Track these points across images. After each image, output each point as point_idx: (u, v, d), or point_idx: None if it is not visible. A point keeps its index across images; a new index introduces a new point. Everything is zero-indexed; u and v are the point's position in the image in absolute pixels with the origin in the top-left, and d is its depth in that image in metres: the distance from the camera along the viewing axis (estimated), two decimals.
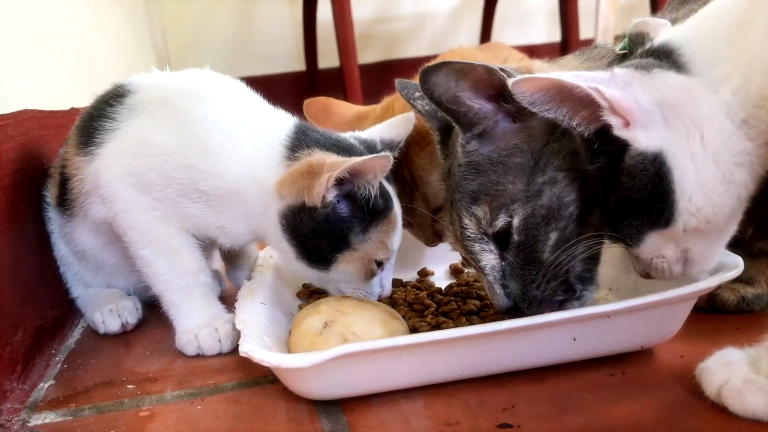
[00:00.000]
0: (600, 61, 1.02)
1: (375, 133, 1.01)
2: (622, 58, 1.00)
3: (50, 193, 1.10)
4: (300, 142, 0.94)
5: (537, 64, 0.98)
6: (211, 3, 3.38)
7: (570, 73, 0.73)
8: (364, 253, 0.92)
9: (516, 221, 0.84)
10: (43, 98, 1.23)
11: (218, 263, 1.24)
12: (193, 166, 0.94)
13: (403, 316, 0.98)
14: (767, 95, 0.68)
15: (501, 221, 0.85)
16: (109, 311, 1.09)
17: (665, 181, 0.71)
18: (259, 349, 0.79)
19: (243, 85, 1.04)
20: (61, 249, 1.11)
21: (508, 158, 0.86)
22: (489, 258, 0.87)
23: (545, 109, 0.74)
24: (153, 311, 1.12)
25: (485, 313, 0.97)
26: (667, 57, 0.74)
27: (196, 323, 1.00)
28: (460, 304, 0.98)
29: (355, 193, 0.88)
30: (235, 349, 0.94)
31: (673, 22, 0.99)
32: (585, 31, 3.21)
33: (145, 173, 0.96)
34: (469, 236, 0.88)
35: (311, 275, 0.96)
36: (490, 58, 1.59)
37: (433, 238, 1.11)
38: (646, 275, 0.80)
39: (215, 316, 1.00)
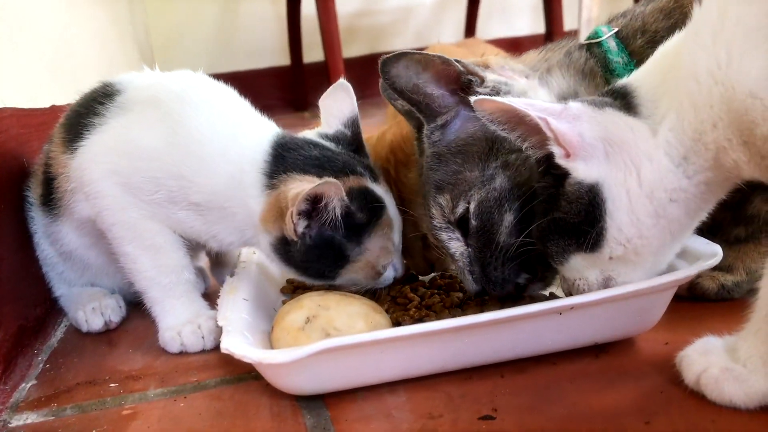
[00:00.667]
0: (559, 51, 1.03)
1: (333, 122, 1.00)
2: (587, 48, 1.01)
3: (33, 192, 1.10)
4: (278, 166, 0.92)
5: (493, 59, 0.98)
6: None
7: (525, 100, 0.79)
8: (366, 262, 0.93)
9: (472, 206, 0.88)
10: (22, 96, 1.22)
11: (203, 260, 1.23)
12: (184, 176, 0.93)
13: (387, 310, 0.99)
14: (701, 128, 0.71)
15: (460, 208, 0.90)
16: (92, 310, 1.08)
17: (598, 210, 0.75)
18: (240, 345, 0.79)
19: (233, 92, 1.04)
20: (45, 249, 1.11)
21: (466, 147, 0.90)
22: (456, 245, 0.91)
23: (502, 128, 0.79)
24: (136, 309, 1.11)
25: (468, 305, 0.96)
26: (622, 98, 0.78)
27: (179, 320, 1.00)
28: (444, 296, 0.98)
29: (327, 219, 0.87)
30: (218, 346, 0.93)
31: (639, 15, 1.00)
32: (569, 23, 3.22)
33: (133, 175, 0.95)
34: (436, 225, 0.92)
35: (319, 286, 0.98)
36: (467, 54, 1.60)
37: (425, 266, 1.10)
38: (569, 294, 0.84)
39: (198, 313, 1.00)
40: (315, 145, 0.96)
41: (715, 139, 0.70)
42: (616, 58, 0.97)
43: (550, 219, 0.79)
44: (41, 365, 1.00)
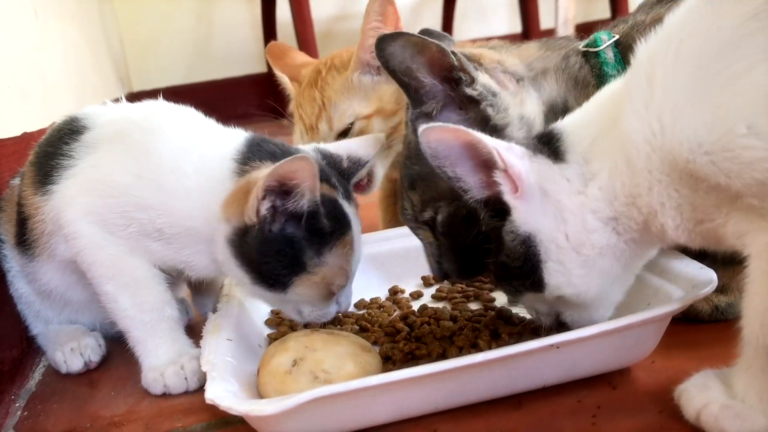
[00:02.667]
0: (558, 52, 1.01)
1: (343, 148, 0.99)
2: (584, 55, 0.99)
3: (5, 231, 1.06)
4: (251, 155, 0.90)
5: (487, 55, 0.96)
6: (168, 6, 3.32)
7: (475, 132, 0.76)
8: (322, 277, 0.89)
9: (439, 218, 0.92)
10: None
11: (184, 291, 1.20)
12: (150, 205, 0.91)
13: (375, 341, 0.96)
14: (636, 192, 0.72)
15: (427, 214, 0.94)
16: (70, 350, 1.05)
17: (534, 259, 0.76)
18: (225, 395, 0.76)
19: (197, 114, 1.01)
20: (21, 287, 1.07)
21: None
22: (423, 235, 0.97)
23: (445, 164, 0.76)
24: (117, 346, 1.08)
25: (459, 336, 0.94)
26: (548, 144, 0.78)
27: (161, 360, 0.96)
28: (435, 327, 0.96)
29: (294, 208, 0.84)
30: (202, 386, 0.91)
31: (639, 24, 0.98)
32: (545, 21, 3.21)
33: (107, 213, 0.93)
34: (406, 216, 0.98)
35: (270, 297, 0.94)
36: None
37: None
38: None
39: (181, 352, 0.97)
40: (290, 147, 0.95)
41: (648, 202, 0.71)
42: (612, 71, 0.96)
43: (498, 260, 0.81)
44: (19, 413, 0.97)
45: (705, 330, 0.94)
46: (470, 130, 0.75)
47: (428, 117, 0.91)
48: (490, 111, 0.90)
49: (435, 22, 3.54)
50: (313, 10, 2.81)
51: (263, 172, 0.84)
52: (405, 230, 1.08)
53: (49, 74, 1.69)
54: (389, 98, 1.27)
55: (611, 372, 0.85)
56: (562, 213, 0.75)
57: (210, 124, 1.00)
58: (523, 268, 0.78)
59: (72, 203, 0.94)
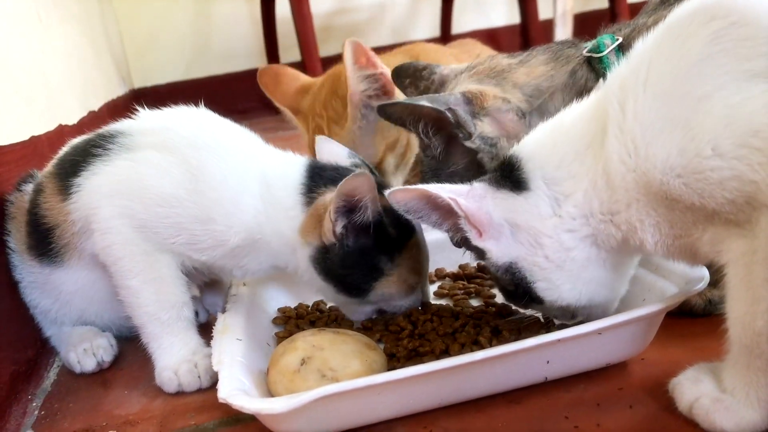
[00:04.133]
0: (565, 67, 1.02)
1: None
2: (587, 62, 1.00)
3: (17, 241, 1.08)
4: (315, 184, 0.96)
5: (491, 94, 0.99)
6: (167, 3, 3.33)
7: (436, 185, 0.80)
8: (398, 276, 0.96)
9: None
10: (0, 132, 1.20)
11: (194, 290, 1.23)
12: (213, 220, 0.95)
13: (379, 339, 0.99)
14: (615, 209, 0.74)
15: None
16: (83, 351, 1.08)
17: (523, 282, 0.80)
18: (237, 394, 0.79)
19: (244, 130, 1.04)
20: (36, 296, 1.10)
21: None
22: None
23: (419, 216, 0.82)
24: (129, 345, 1.11)
25: (461, 333, 0.97)
26: (510, 174, 0.80)
27: (175, 358, 0.99)
28: (437, 324, 0.99)
29: (361, 221, 0.91)
30: (214, 384, 0.95)
31: (642, 27, 0.99)
32: (544, 12, 3.22)
33: (150, 221, 0.96)
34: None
35: (350, 302, 1.00)
36: (459, 54, 1.60)
37: None
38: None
39: (195, 350, 1.00)
40: (341, 167, 1.00)
41: (627, 219, 0.74)
42: None
43: (499, 286, 0.86)
44: (36, 412, 1.00)
45: (699, 323, 0.97)
46: (427, 187, 0.79)
47: (433, 158, 1.00)
48: (485, 160, 0.96)
49: (434, 15, 3.55)
50: (312, 5, 2.82)
51: (329, 197, 0.91)
52: None
53: (53, 77, 1.71)
54: (389, 127, 1.31)
55: (608, 366, 0.88)
56: (537, 238, 0.78)
57: (259, 142, 1.04)
58: (516, 291, 0.82)
59: (106, 202, 0.96)
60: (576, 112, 0.81)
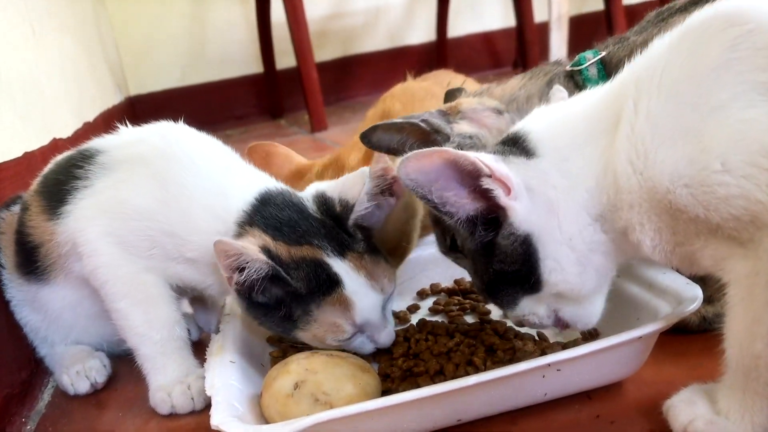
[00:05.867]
0: (542, 78, 1.04)
1: (335, 190, 0.97)
2: (570, 76, 1.02)
3: (6, 259, 1.08)
4: (251, 218, 0.93)
5: (465, 102, 1.02)
6: (161, 9, 3.33)
7: (452, 149, 0.76)
8: (312, 335, 0.92)
9: (458, 241, 0.91)
10: None
11: (187, 307, 1.23)
12: (177, 234, 0.95)
13: (373, 358, 0.99)
14: (619, 205, 0.73)
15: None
16: (76, 373, 1.08)
17: (532, 258, 0.77)
18: (230, 420, 0.79)
19: (218, 143, 1.04)
20: (25, 315, 1.10)
21: None
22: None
23: (429, 190, 0.75)
24: (123, 366, 1.11)
25: (455, 353, 0.96)
26: (515, 144, 0.78)
27: (168, 379, 0.99)
28: (432, 344, 0.99)
29: (250, 281, 0.88)
30: (208, 406, 0.94)
31: (633, 45, 1.00)
32: (539, 15, 3.22)
33: (127, 235, 0.96)
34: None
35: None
36: (432, 86, 1.58)
37: None
38: (520, 324, 0.85)
39: (188, 372, 1.00)
40: (292, 206, 0.95)
41: (628, 218, 0.73)
42: (593, 86, 0.98)
43: (492, 271, 0.80)
44: None
45: (694, 340, 0.96)
46: (447, 149, 0.75)
47: None
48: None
49: (429, 20, 3.56)
50: (307, 10, 2.82)
51: (244, 239, 0.90)
52: None
53: (48, 90, 1.71)
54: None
55: (603, 387, 0.88)
56: (552, 205, 0.75)
57: (232, 158, 1.03)
58: (521, 270, 0.78)
59: (90, 224, 0.97)
60: (591, 98, 0.79)
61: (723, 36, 0.67)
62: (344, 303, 0.91)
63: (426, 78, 1.64)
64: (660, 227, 0.72)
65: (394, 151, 1.01)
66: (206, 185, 0.96)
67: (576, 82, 1.00)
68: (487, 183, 0.74)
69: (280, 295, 0.90)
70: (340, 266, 0.91)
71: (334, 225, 0.94)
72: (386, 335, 0.96)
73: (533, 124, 0.80)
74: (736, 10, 0.68)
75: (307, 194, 0.98)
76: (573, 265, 0.76)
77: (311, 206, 0.96)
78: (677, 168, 0.67)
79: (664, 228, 0.71)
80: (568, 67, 1.04)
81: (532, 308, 0.83)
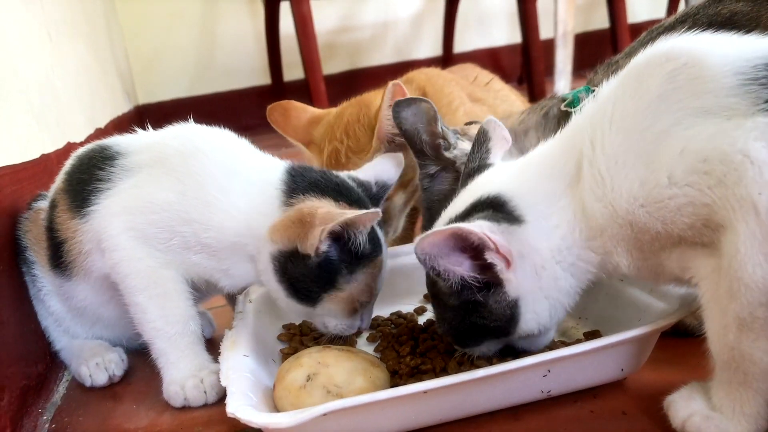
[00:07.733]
0: (539, 112, 1.19)
1: (370, 173, 1.07)
2: (565, 116, 1.07)
3: (37, 253, 1.12)
4: (296, 186, 0.98)
5: (473, 129, 1.10)
6: (172, 20, 3.37)
7: (461, 223, 0.79)
8: (349, 294, 0.97)
9: None
10: (12, 151, 1.23)
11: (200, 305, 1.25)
12: (195, 220, 0.98)
13: (381, 354, 1.02)
14: (591, 235, 0.79)
15: None
16: (95, 365, 1.11)
17: (515, 315, 0.82)
18: (245, 408, 0.82)
19: (231, 135, 1.08)
20: (53, 305, 1.13)
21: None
22: None
23: (436, 261, 0.79)
24: (139, 359, 1.14)
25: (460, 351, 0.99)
26: (500, 209, 0.82)
27: (182, 374, 1.02)
28: (437, 343, 1.01)
29: (346, 240, 0.93)
30: (220, 400, 0.98)
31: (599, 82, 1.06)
32: (545, 32, 3.27)
33: (148, 228, 1.00)
34: None
35: (298, 310, 1.01)
36: (459, 78, 1.63)
37: None
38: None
39: (201, 366, 1.03)
40: (335, 176, 1.02)
41: (603, 244, 0.79)
42: None
43: (468, 323, 0.84)
44: (46, 426, 1.02)
45: (693, 343, 0.98)
46: (456, 225, 0.79)
47: (432, 178, 1.12)
48: (462, 169, 1.02)
49: (436, 33, 3.60)
50: (315, 23, 2.87)
51: (321, 210, 0.93)
52: (408, 248, 1.14)
53: (63, 95, 1.74)
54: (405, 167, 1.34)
55: (605, 384, 0.91)
56: (536, 269, 0.81)
57: (247, 147, 1.07)
58: (500, 325, 0.83)
59: (113, 220, 1.00)
60: (552, 147, 0.85)
61: (661, 70, 0.75)
62: (378, 268, 0.99)
63: (452, 70, 1.70)
64: (628, 248, 0.78)
65: (404, 133, 1.10)
66: (220, 171, 1.00)
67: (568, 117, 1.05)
68: (491, 257, 0.79)
69: (335, 258, 0.95)
70: (379, 233, 1.00)
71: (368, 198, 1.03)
72: (371, 313, 1.04)
73: (509, 184, 0.85)
74: (672, 47, 0.76)
75: (343, 174, 1.05)
76: (547, 311, 0.83)
77: (349, 180, 1.04)
78: (632, 191, 0.74)
79: (633, 248, 0.78)
80: (563, 106, 1.11)
81: (493, 347, 0.88)
